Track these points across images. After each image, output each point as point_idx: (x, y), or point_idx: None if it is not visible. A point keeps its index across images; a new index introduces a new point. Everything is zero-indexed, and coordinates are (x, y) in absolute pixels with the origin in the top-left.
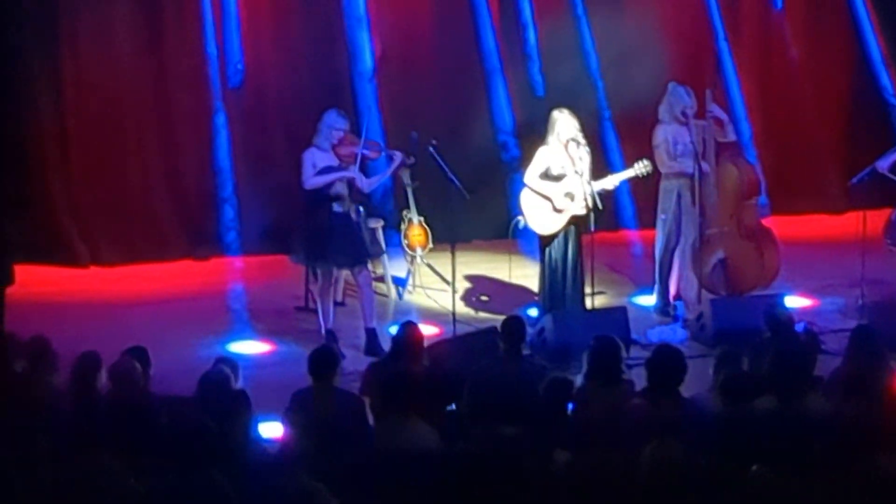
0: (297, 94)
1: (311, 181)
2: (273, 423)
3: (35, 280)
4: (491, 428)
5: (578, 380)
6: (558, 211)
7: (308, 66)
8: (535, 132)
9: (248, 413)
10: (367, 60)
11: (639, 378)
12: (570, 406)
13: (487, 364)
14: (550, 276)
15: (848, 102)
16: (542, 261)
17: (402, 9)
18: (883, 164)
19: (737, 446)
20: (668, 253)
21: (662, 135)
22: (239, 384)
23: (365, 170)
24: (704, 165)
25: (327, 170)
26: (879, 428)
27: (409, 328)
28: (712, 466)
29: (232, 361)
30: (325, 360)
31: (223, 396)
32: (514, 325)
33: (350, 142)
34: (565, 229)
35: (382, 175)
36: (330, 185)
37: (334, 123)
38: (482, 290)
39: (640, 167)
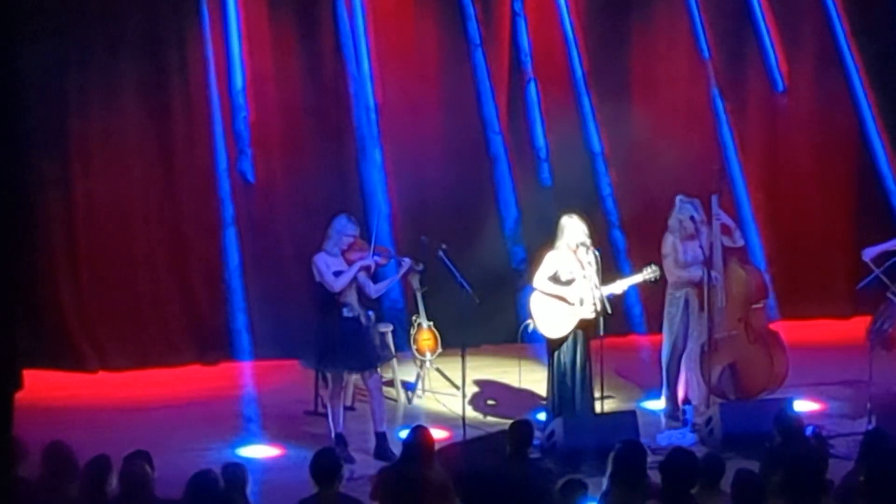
0: (306, 196)
1: (338, 282)
2: None
3: (44, 385)
4: None
5: (602, 482)
6: (567, 316)
7: (316, 167)
8: (541, 230)
9: None
10: (377, 165)
11: None
12: None
13: (494, 467)
14: (559, 380)
15: (854, 205)
16: (551, 365)
17: (411, 115)
18: (869, 253)
19: None
20: (676, 357)
21: (671, 244)
22: (248, 488)
23: (374, 275)
24: (714, 275)
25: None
26: None
27: (420, 432)
28: None
29: (241, 466)
30: (325, 465)
31: (211, 500)
32: (522, 428)
33: (360, 247)
34: (574, 333)
35: (391, 280)
36: (341, 291)
37: (344, 229)
38: (491, 394)
39: (649, 272)
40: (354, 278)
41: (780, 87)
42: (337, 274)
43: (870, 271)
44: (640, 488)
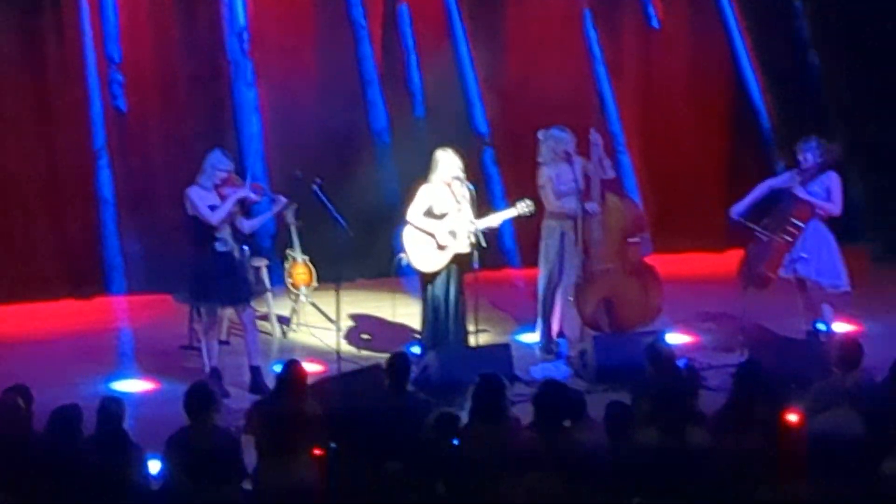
0: (179, 130)
1: (216, 215)
2: (154, 461)
3: None
4: (375, 464)
5: (464, 416)
6: (441, 248)
7: (190, 102)
8: (416, 164)
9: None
10: (251, 100)
11: (522, 415)
12: (456, 441)
13: (373, 401)
14: (433, 314)
15: (728, 140)
16: (425, 299)
17: (285, 49)
18: (736, 211)
19: (620, 479)
20: (551, 291)
21: (547, 175)
22: (126, 422)
23: (248, 211)
24: (591, 205)
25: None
26: (765, 461)
27: (292, 366)
28: (595, 499)
29: (118, 400)
30: (199, 398)
31: (72, 432)
32: (400, 361)
33: (234, 183)
34: (448, 267)
35: (264, 216)
36: (213, 226)
37: (218, 164)
38: (366, 328)
39: (523, 206)
40: (231, 211)
41: (655, 24)
42: (212, 208)
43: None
44: (500, 422)
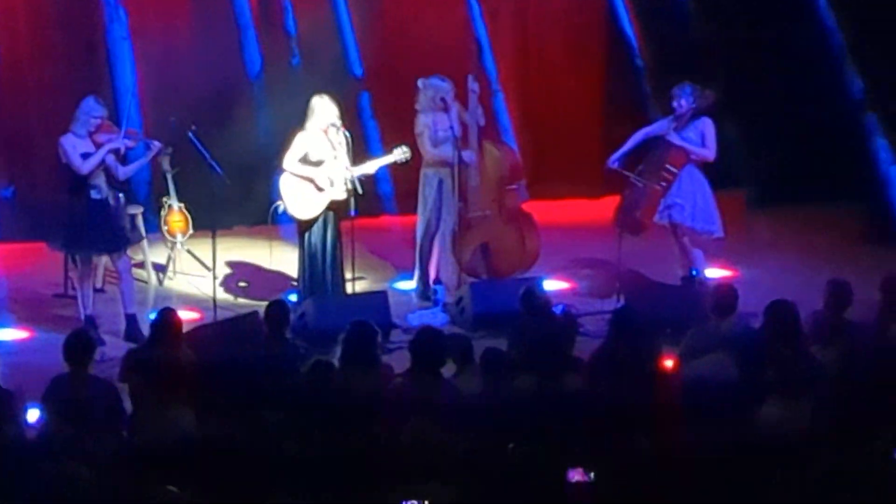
0: (52, 77)
1: (86, 165)
2: (31, 409)
3: None
4: (252, 412)
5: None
6: (317, 197)
7: (63, 48)
8: (292, 111)
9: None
10: (125, 46)
11: (399, 361)
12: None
13: (250, 348)
14: (310, 262)
15: (604, 86)
16: (301, 246)
17: None
18: (613, 159)
19: (496, 425)
20: (429, 238)
21: (424, 122)
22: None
23: (124, 158)
24: (468, 154)
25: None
26: (641, 407)
27: (166, 314)
28: (471, 445)
29: None
30: (79, 346)
31: None
32: (278, 309)
33: (108, 129)
34: (324, 214)
35: (139, 162)
36: (90, 173)
37: (91, 111)
38: (243, 275)
39: (399, 153)
40: (103, 160)
41: None
42: (85, 156)
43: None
44: (371, 368)
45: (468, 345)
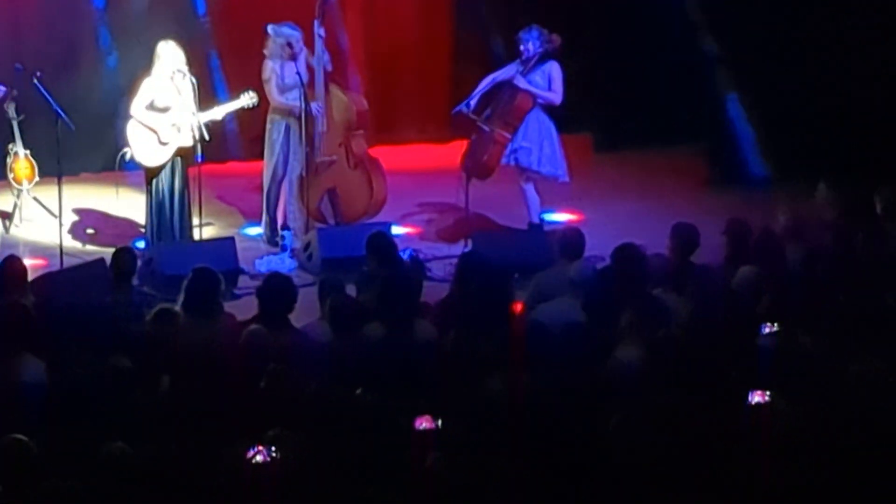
0: None
1: None
2: None
3: None
4: (99, 358)
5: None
6: (164, 143)
7: None
8: (138, 56)
9: None
10: None
11: (247, 307)
12: None
13: (96, 295)
14: (157, 209)
15: (452, 30)
16: (149, 193)
17: None
18: (473, 102)
19: (345, 373)
20: (276, 183)
21: (271, 68)
22: None
23: None
24: (315, 105)
25: None
26: (490, 352)
27: (10, 261)
28: (319, 392)
29: None
30: None
31: None
32: (124, 256)
33: None
34: (171, 161)
35: None
36: None
37: None
38: (90, 223)
39: (246, 98)
40: None
41: None
42: None
43: (467, 95)
44: (211, 315)
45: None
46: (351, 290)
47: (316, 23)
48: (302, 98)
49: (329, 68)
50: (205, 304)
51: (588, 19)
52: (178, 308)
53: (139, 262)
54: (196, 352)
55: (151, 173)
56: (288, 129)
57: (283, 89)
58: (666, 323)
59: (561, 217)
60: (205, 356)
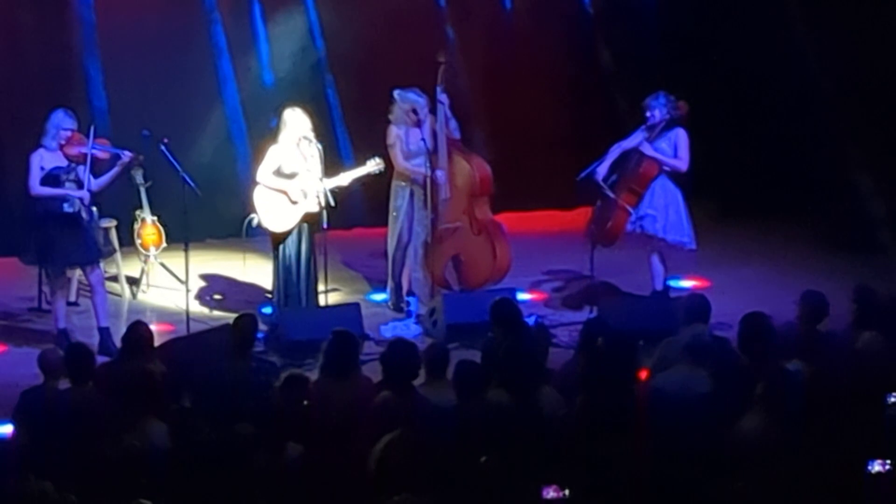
0: (26, 90)
1: (38, 189)
2: (4, 424)
3: None
4: (221, 424)
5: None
6: (291, 209)
7: (36, 62)
8: (265, 128)
9: None
10: (96, 58)
11: (371, 373)
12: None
13: (216, 361)
14: (284, 274)
15: (577, 98)
16: (276, 258)
17: (131, 8)
18: (601, 171)
19: (469, 438)
20: (401, 250)
21: (395, 134)
22: None
23: (95, 169)
24: (439, 173)
25: (56, 178)
26: (614, 418)
27: (138, 327)
28: (446, 458)
29: None
30: (53, 360)
31: None
32: (245, 322)
33: (78, 141)
34: (298, 227)
35: (112, 174)
36: (59, 185)
37: (62, 123)
38: (216, 288)
39: (373, 164)
40: (60, 180)
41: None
42: (57, 169)
43: (591, 162)
44: (349, 379)
45: (444, 356)
46: (476, 355)
47: (438, 89)
48: (427, 164)
49: (456, 135)
50: (343, 366)
51: (714, 86)
52: (307, 373)
53: (266, 328)
54: (333, 413)
55: (278, 239)
56: (412, 195)
57: (407, 156)
58: (794, 393)
59: (687, 283)
60: (337, 420)
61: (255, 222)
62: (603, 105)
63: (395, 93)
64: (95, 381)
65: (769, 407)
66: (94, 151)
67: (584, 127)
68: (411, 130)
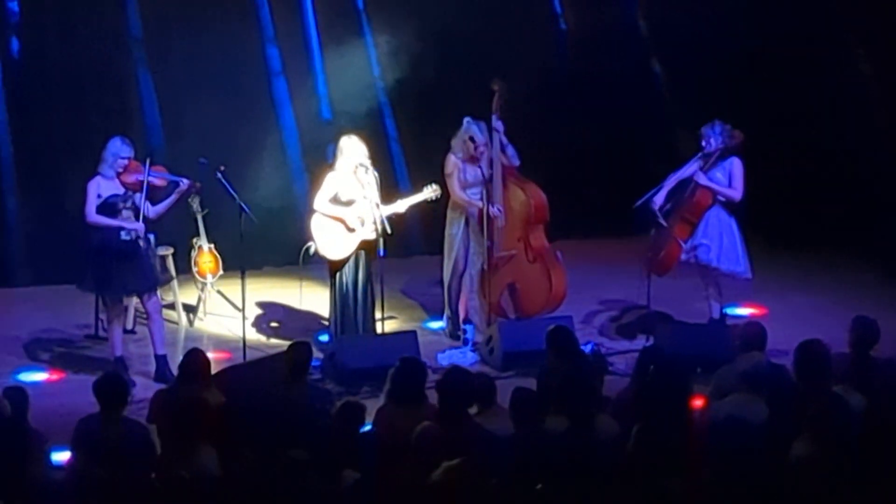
0: (83, 119)
1: (94, 217)
2: (62, 451)
3: None
4: (276, 451)
5: (381, 400)
6: (348, 237)
7: (93, 90)
8: (322, 156)
9: (31, 443)
10: (151, 86)
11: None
12: (366, 428)
13: (271, 389)
14: (341, 302)
15: (633, 124)
16: (333, 286)
17: (184, 32)
18: (657, 200)
19: (526, 466)
20: (457, 277)
21: (454, 163)
22: (29, 413)
23: (152, 196)
24: (495, 208)
25: (113, 205)
26: (669, 446)
27: (195, 354)
28: (503, 487)
29: (20, 390)
30: (111, 387)
31: None
32: (299, 349)
33: (135, 169)
34: (355, 254)
35: (169, 202)
36: (116, 212)
37: (119, 151)
38: (273, 316)
39: (429, 191)
40: (117, 208)
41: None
42: (114, 197)
43: (648, 190)
44: (416, 406)
45: (491, 386)
46: (532, 383)
47: (494, 117)
48: (483, 194)
49: (515, 162)
50: (410, 393)
51: (771, 114)
52: (363, 401)
53: (322, 356)
54: (397, 440)
55: (335, 266)
56: (467, 223)
57: (464, 185)
58: (846, 420)
59: (744, 311)
60: (403, 445)
61: (312, 250)
62: (660, 132)
63: (466, 120)
64: (150, 408)
65: (819, 433)
66: (151, 179)
67: (640, 154)
68: (468, 162)
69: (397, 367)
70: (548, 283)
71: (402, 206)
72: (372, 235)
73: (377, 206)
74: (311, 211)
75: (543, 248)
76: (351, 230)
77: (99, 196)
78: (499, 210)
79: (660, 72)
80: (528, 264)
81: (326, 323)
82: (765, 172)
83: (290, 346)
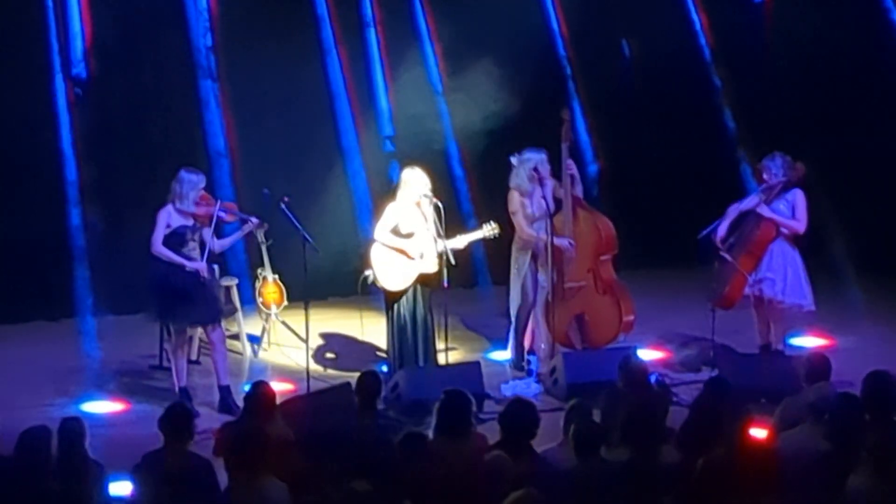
0: (148, 151)
1: (159, 248)
2: (124, 482)
3: None
4: (343, 483)
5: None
6: (407, 269)
7: (157, 121)
8: (384, 182)
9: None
10: (217, 116)
11: (492, 432)
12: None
13: (341, 420)
14: (399, 333)
15: (699, 154)
16: (389, 318)
17: (251, 63)
18: (720, 231)
19: (590, 499)
20: (526, 308)
21: (518, 201)
22: (87, 443)
23: (219, 230)
24: (562, 241)
25: (181, 236)
26: (730, 478)
27: (260, 386)
28: None
29: (78, 420)
30: (178, 420)
31: (41, 455)
32: (369, 380)
33: (206, 200)
34: (413, 287)
35: (235, 236)
36: (184, 244)
37: (198, 183)
38: (335, 347)
39: (488, 230)
40: (185, 239)
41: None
42: (183, 228)
43: (713, 221)
44: (464, 438)
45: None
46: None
47: (564, 147)
48: (548, 225)
49: (580, 193)
50: (457, 425)
51: (835, 145)
52: (426, 431)
53: (384, 387)
54: (448, 473)
55: (392, 297)
56: (534, 256)
57: (531, 219)
58: None
59: (810, 341)
60: (453, 478)
61: (370, 279)
62: (725, 163)
63: (512, 159)
64: (216, 440)
65: (878, 464)
66: (220, 214)
67: (705, 185)
68: (534, 193)
69: (442, 399)
70: (617, 314)
71: (460, 242)
72: (432, 268)
73: (439, 238)
74: (372, 241)
75: (612, 279)
76: (410, 261)
77: (168, 226)
78: (570, 243)
79: (723, 99)
80: (598, 296)
81: (384, 354)
82: (831, 199)
83: (360, 376)
